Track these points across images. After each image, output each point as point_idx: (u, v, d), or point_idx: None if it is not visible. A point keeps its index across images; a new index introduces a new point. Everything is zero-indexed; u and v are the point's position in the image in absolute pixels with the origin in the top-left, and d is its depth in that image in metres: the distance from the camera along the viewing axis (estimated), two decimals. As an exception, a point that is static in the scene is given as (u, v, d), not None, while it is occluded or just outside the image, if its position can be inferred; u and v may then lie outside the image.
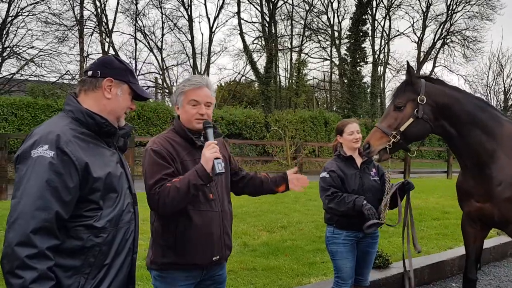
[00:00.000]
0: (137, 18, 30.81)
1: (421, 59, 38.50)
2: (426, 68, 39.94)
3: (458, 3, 37.13)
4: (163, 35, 32.54)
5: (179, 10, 32.62)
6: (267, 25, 28.30)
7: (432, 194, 10.83)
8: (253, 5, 29.46)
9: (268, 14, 28.64)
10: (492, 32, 72.09)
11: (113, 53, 29.47)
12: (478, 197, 3.46)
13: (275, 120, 24.56)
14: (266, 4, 28.69)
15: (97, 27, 27.72)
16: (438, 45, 38.65)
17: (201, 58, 33.88)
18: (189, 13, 31.88)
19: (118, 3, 29.49)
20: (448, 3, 36.81)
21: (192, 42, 32.25)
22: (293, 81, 32.67)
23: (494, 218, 3.39)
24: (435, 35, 38.20)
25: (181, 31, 33.19)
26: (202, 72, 33.17)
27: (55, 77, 24.00)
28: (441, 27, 37.81)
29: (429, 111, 3.32)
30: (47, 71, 24.01)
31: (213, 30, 32.54)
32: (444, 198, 10.23)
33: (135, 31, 30.93)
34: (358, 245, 3.54)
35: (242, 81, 34.24)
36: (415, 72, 3.44)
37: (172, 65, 34.30)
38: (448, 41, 38.73)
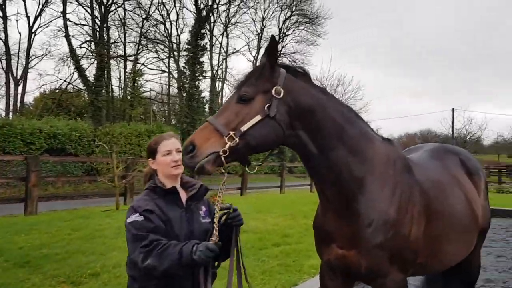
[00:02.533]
0: None
1: (256, 77, 40.11)
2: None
3: (288, 28, 39.98)
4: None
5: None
6: (98, 29, 25.70)
7: (270, 214, 10.58)
8: (82, 6, 26.58)
9: (99, 18, 26.08)
10: (317, 56, 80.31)
11: None
12: (342, 241, 2.58)
13: (106, 133, 22.28)
14: (97, 6, 26.11)
15: None
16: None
17: (18, 61, 29.37)
18: (3, 8, 27.33)
19: None
20: (280, 27, 39.31)
21: (6, 42, 27.63)
22: (128, 91, 30.45)
23: (361, 269, 2.53)
24: (268, 55, 40.26)
25: (278, 61, 28.20)
26: (18, 77, 28.69)
27: None
28: (274, 48, 40.07)
29: (285, 112, 2.32)
30: None
31: (33, 31, 28.52)
32: (282, 218, 10.02)
33: None
34: None
35: (69, 89, 30.61)
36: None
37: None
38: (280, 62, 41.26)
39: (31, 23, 28.46)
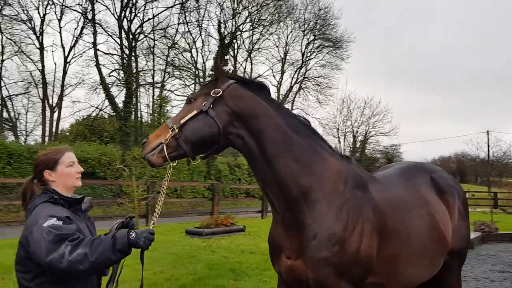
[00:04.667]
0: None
1: (280, 101, 40.73)
2: (286, 110, 42.20)
3: (312, 52, 40.56)
4: (2, 61, 28.97)
5: (29, 37, 29.59)
6: (126, 58, 26.99)
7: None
8: (112, 37, 28.02)
9: (127, 47, 27.41)
10: (341, 80, 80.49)
11: None
12: (290, 252, 2.66)
13: (133, 157, 23.12)
14: (126, 37, 27.49)
15: None
16: (295, 89, 41.40)
17: (53, 90, 31.01)
18: (40, 40, 29.12)
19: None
20: (303, 51, 39.96)
21: (42, 72, 29.32)
22: (155, 117, 31.55)
23: (309, 281, 2.60)
24: (291, 79, 40.91)
25: (30, 59, 30.07)
26: (54, 105, 30.27)
27: None
28: (297, 72, 40.68)
29: (223, 110, 2.64)
30: None
31: (68, 61, 30.16)
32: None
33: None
34: None
35: (100, 116, 32.00)
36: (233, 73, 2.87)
37: (14, 95, 30.73)
38: (304, 86, 41.81)
39: (66, 54, 30.11)
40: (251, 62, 38.86)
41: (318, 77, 41.62)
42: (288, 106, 42.17)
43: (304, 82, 41.60)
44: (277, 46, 39.79)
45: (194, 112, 2.62)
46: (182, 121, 2.60)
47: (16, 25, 28.74)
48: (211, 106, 2.63)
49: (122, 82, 27.08)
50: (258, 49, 38.07)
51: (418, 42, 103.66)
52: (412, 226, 2.98)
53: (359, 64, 78.38)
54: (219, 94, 2.65)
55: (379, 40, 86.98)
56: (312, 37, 39.88)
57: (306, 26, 39.40)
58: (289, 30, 39.45)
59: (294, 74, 40.74)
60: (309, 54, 40.53)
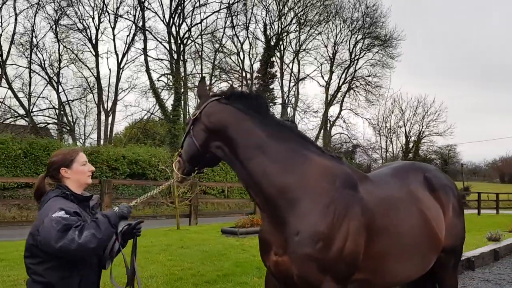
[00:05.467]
0: (33, 50, 28.84)
1: (329, 102, 40.28)
2: (334, 111, 41.85)
3: (361, 51, 39.81)
4: (60, 68, 30.82)
5: (86, 45, 31.31)
6: (174, 63, 27.88)
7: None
8: (161, 43, 29.07)
9: (176, 52, 28.31)
10: (392, 78, 78.28)
11: (6, 86, 27.25)
12: (276, 248, 2.74)
13: (180, 159, 23.68)
14: (174, 42, 28.40)
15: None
16: (344, 89, 40.79)
17: (108, 95, 32.56)
18: (95, 48, 30.72)
19: (14, 32, 27.56)
20: (351, 51, 39.30)
21: (97, 78, 30.89)
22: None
23: (293, 277, 2.65)
24: (339, 79, 40.33)
25: (87, 66, 31.75)
26: (108, 109, 31.77)
27: None
28: (346, 72, 40.05)
29: (200, 129, 2.91)
30: None
31: (121, 67, 31.58)
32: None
33: (29, 63, 28.86)
34: None
35: (152, 119, 33.23)
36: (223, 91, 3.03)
37: (70, 100, 32.56)
38: (353, 86, 41.09)
39: (119, 60, 31.54)
40: (299, 63, 38.80)
41: (368, 76, 40.85)
42: (336, 106, 41.68)
43: (353, 82, 40.91)
44: (325, 46, 39.50)
45: (185, 136, 3.00)
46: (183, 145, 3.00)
47: (73, 34, 30.54)
48: (191, 127, 2.93)
49: (170, 87, 27.97)
50: (305, 49, 37.94)
51: (476, 37, 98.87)
52: (401, 224, 3.00)
53: (411, 62, 75.78)
54: (195, 116, 2.94)
55: (432, 36, 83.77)
56: (360, 36, 39.19)
57: (354, 25, 38.80)
58: (337, 29, 39.04)
59: (343, 74, 40.20)
60: (357, 53, 39.87)
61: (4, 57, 27.05)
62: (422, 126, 45.66)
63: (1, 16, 27.18)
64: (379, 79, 40.74)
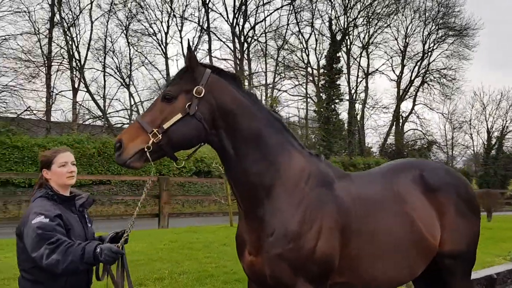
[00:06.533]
0: (107, 54, 30.67)
1: (401, 97, 38.57)
2: (406, 107, 40.02)
3: (435, 42, 37.62)
4: (131, 71, 32.47)
5: (157, 48, 32.72)
6: (238, 62, 28.26)
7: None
8: (225, 43, 29.60)
9: (239, 50, 28.68)
10: (470, 70, 73.10)
11: (84, 89, 29.24)
12: (251, 248, 2.64)
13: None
14: (238, 41, 28.78)
15: (64, 62, 27.42)
16: (417, 83, 38.83)
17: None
18: (165, 51, 32.03)
19: (90, 39, 29.50)
20: (424, 42, 37.26)
21: (167, 80, 32.08)
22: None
23: (266, 278, 2.57)
24: (411, 73, 38.43)
25: (157, 68, 33.16)
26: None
27: (13, 113, 23.48)
28: (419, 65, 38.07)
29: (207, 110, 2.51)
30: (5, 107, 23.50)
31: (188, 68, 32.45)
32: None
33: (103, 67, 30.71)
34: None
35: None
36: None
37: (141, 101, 34.14)
38: (427, 79, 38.97)
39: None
40: (368, 57, 37.52)
41: (443, 69, 38.53)
42: (409, 101, 39.82)
43: (426, 75, 38.80)
44: (395, 39, 37.83)
45: (179, 116, 2.47)
46: (166, 125, 2.44)
47: (144, 38, 32.02)
48: (196, 107, 2.49)
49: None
50: (374, 43, 36.60)
51: None
52: (380, 225, 2.86)
53: (492, 53, 69.91)
54: (202, 95, 2.50)
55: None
56: (434, 27, 37.04)
57: (427, 15, 36.76)
58: (408, 21, 37.23)
59: (415, 67, 38.26)
60: (431, 45, 37.73)
61: (82, 62, 29.07)
62: (506, 121, 42.19)
63: (78, 24, 29.17)
64: (455, 71, 38.36)
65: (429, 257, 3.06)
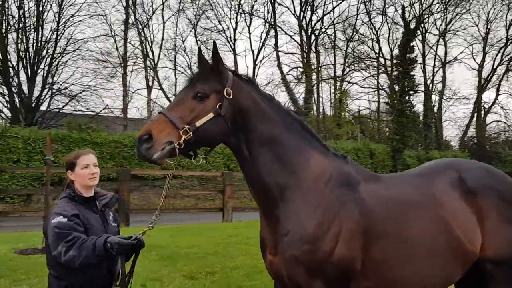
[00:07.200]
0: (177, 53, 31.66)
1: (482, 86, 35.91)
2: (489, 97, 37.18)
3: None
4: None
5: (226, 45, 33.26)
6: (305, 55, 27.87)
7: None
8: (293, 38, 29.29)
9: (306, 43, 28.27)
10: None
11: (158, 87, 30.53)
12: (270, 247, 2.66)
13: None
14: (305, 34, 28.39)
15: (138, 62, 28.78)
16: (500, 71, 35.91)
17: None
18: (233, 47, 32.47)
19: (162, 38, 30.68)
20: (508, 27, 34.30)
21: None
22: (336, 111, 31.64)
23: (284, 278, 2.57)
24: (494, 60, 35.57)
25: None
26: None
27: (92, 111, 25.09)
28: (502, 52, 35.15)
29: (231, 112, 2.53)
30: (85, 106, 25.18)
31: (256, 63, 32.79)
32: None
33: (174, 65, 31.75)
34: None
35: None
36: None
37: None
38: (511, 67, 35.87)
39: (254, 57, 32.77)
40: (445, 45, 35.31)
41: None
42: (492, 91, 36.93)
43: (511, 63, 35.67)
44: (476, 25, 35.25)
45: (211, 115, 2.48)
46: (198, 123, 2.43)
47: (214, 35, 32.67)
48: (225, 108, 2.53)
49: (300, 79, 28.09)
50: (451, 30, 34.35)
51: None
52: (411, 228, 2.74)
53: None
54: (231, 96, 2.53)
55: None
56: (520, 10, 33.90)
57: (512, -2, 33.71)
58: (490, 5, 34.48)
59: (497, 54, 35.34)
60: (517, 29, 34.57)
61: (156, 61, 30.34)
62: None
63: (152, 24, 30.48)
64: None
65: (467, 262, 2.90)
